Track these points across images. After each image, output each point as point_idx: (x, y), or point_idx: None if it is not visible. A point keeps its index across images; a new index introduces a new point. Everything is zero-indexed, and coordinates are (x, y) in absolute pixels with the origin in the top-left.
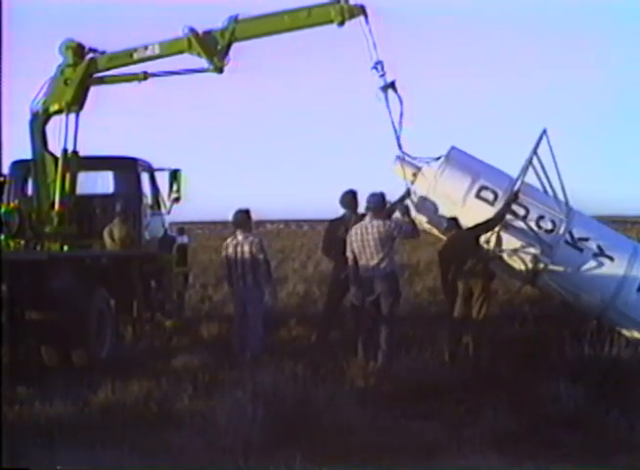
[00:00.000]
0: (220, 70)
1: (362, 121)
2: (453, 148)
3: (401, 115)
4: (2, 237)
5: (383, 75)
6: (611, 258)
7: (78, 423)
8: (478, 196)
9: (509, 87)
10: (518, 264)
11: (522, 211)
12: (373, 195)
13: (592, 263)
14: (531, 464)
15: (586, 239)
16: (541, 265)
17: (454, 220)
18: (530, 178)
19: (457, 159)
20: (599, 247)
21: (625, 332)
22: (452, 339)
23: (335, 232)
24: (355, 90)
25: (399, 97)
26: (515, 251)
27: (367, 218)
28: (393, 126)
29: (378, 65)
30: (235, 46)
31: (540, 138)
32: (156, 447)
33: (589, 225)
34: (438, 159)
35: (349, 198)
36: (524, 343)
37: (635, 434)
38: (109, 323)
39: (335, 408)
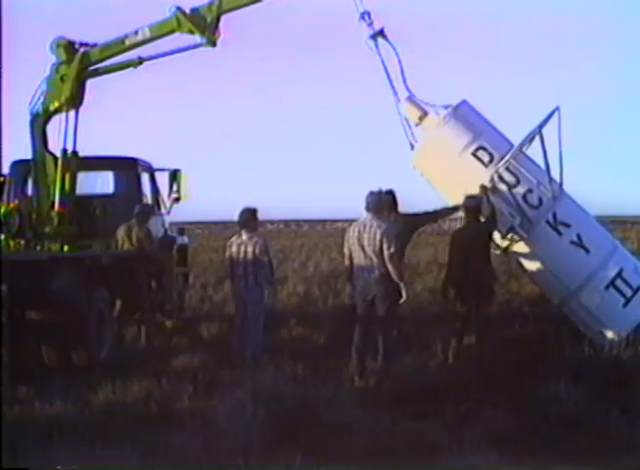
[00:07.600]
0: (214, 44)
1: (363, 122)
2: (464, 102)
3: (399, 61)
4: (2, 237)
5: (371, 24)
6: (587, 250)
7: (78, 423)
8: (474, 154)
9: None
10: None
11: (512, 180)
12: (371, 194)
13: (567, 250)
14: (531, 464)
15: (568, 225)
16: (516, 238)
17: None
18: (535, 154)
19: (465, 113)
20: (578, 236)
21: (581, 327)
22: (457, 338)
23: None
24: (356, 91)
25: (391, 44)
26: None
27: (367, 217)
28: (387, 74)
29: (365, 15)
30: (238, 45)
31: (550, 115)
32: (156, 447)
33: (575, 213)
34: (447, 107)
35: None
36: (524, 343)
37: (635, 434)
38: (109, 323)
39: (335, 408)
